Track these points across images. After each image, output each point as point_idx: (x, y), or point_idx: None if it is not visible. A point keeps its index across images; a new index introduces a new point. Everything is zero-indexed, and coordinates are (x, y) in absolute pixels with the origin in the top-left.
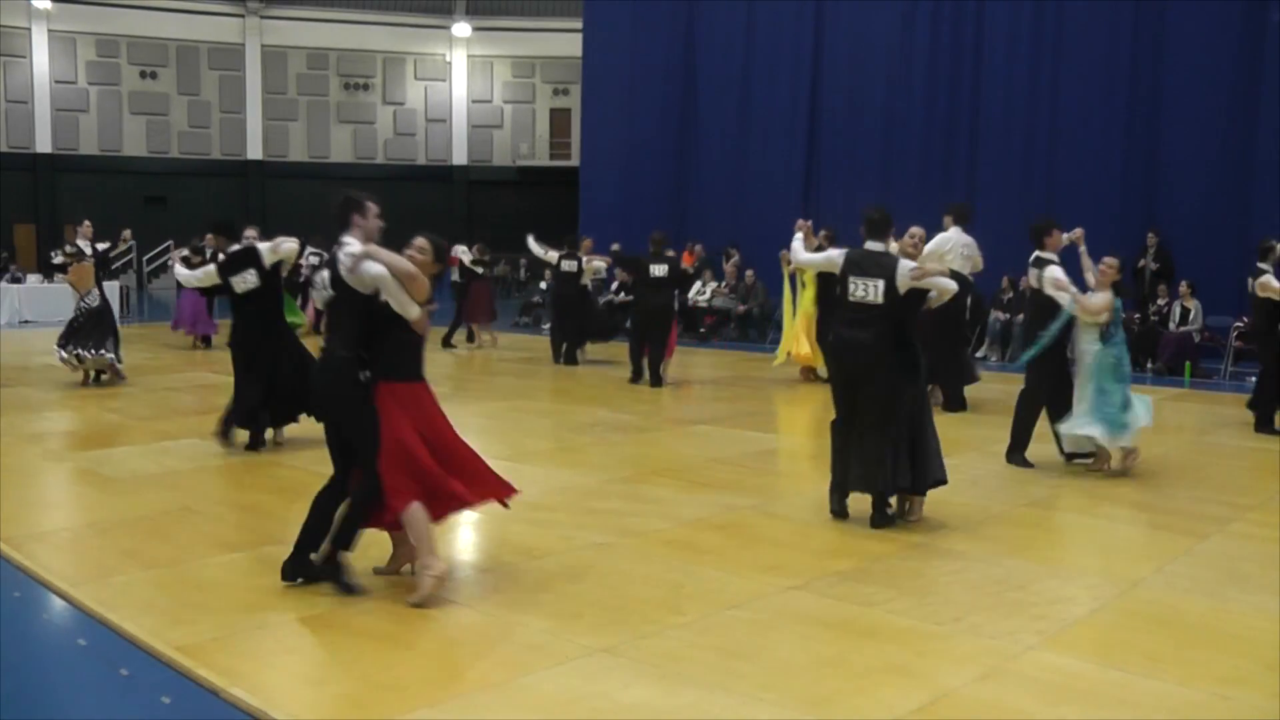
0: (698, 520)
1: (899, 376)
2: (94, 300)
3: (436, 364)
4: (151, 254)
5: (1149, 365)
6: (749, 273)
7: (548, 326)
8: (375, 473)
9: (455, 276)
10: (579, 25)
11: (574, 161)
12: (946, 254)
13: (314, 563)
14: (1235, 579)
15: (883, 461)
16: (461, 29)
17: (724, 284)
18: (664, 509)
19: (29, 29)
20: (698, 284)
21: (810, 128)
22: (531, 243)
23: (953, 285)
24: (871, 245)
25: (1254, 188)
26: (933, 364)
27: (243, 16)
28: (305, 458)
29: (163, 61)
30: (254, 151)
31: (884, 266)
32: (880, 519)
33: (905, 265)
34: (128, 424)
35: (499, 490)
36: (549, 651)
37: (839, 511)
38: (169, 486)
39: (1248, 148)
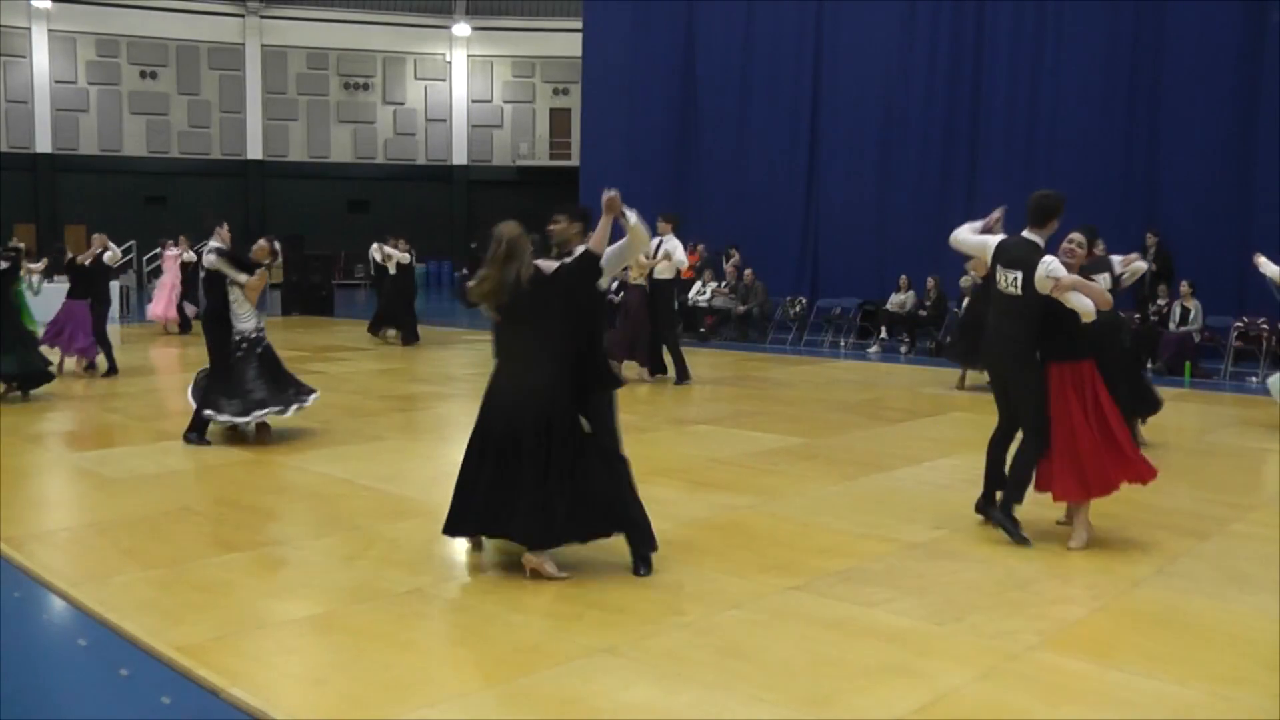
0: (698, 520)
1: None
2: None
3: (436, 363)
4: (151, 254)
5: (1149, 365)
6: (748, 272)
7: None
8: (1038, 442)
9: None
10: (579, 25)
11: (574, 161)
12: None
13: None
14: (1235, 579)
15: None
16: (461, 29)
17: (724, 284)
18: (664, 509)
19: (29, 29)
20: (698, 284)
21: (810, 127)
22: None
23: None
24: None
25: (1254, 188)
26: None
27: (243, 16)
28: (305, 458)
29: (163, 61)
30: (254, 151)
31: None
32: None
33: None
34: (128, 424)
35: (1143, 472)
36: (549, 651)
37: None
38: (169, 486)
39: (1248, 148)
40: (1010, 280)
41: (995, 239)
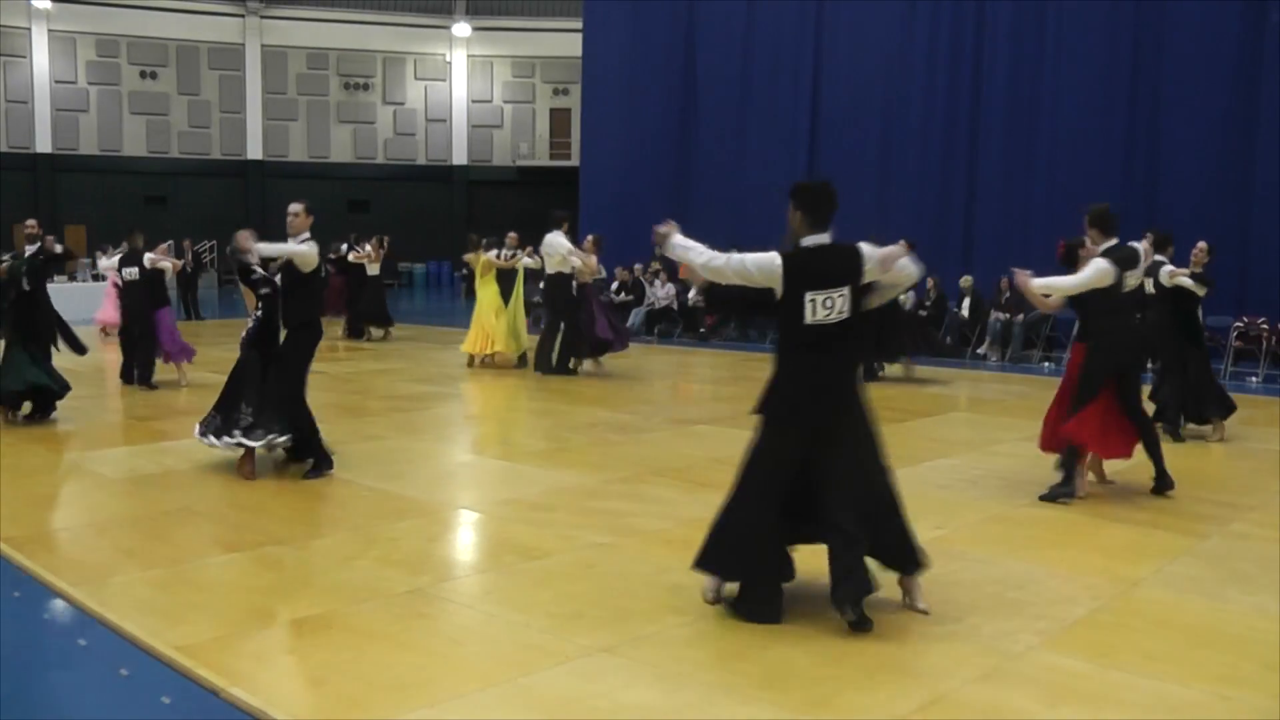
0: (698, 520)
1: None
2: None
3: (436, 363)
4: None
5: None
6: None
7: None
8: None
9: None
10: (579, 25)
11: (574, 161)
12: (555, 255)
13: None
14: (1235, 579)
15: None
16: (461, 29)
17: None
18: (664, 509)
19: (29, 29)
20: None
21: (810, 128)
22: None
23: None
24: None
25: (1254, 188)
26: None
27: (243, 16)
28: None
29: (163, 61)
30: (254, 151)
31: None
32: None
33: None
34: (128, 424)
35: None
36: (549, 651)
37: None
38: (169, 486)
39: (1247, 148)
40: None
41: (1105, 263)
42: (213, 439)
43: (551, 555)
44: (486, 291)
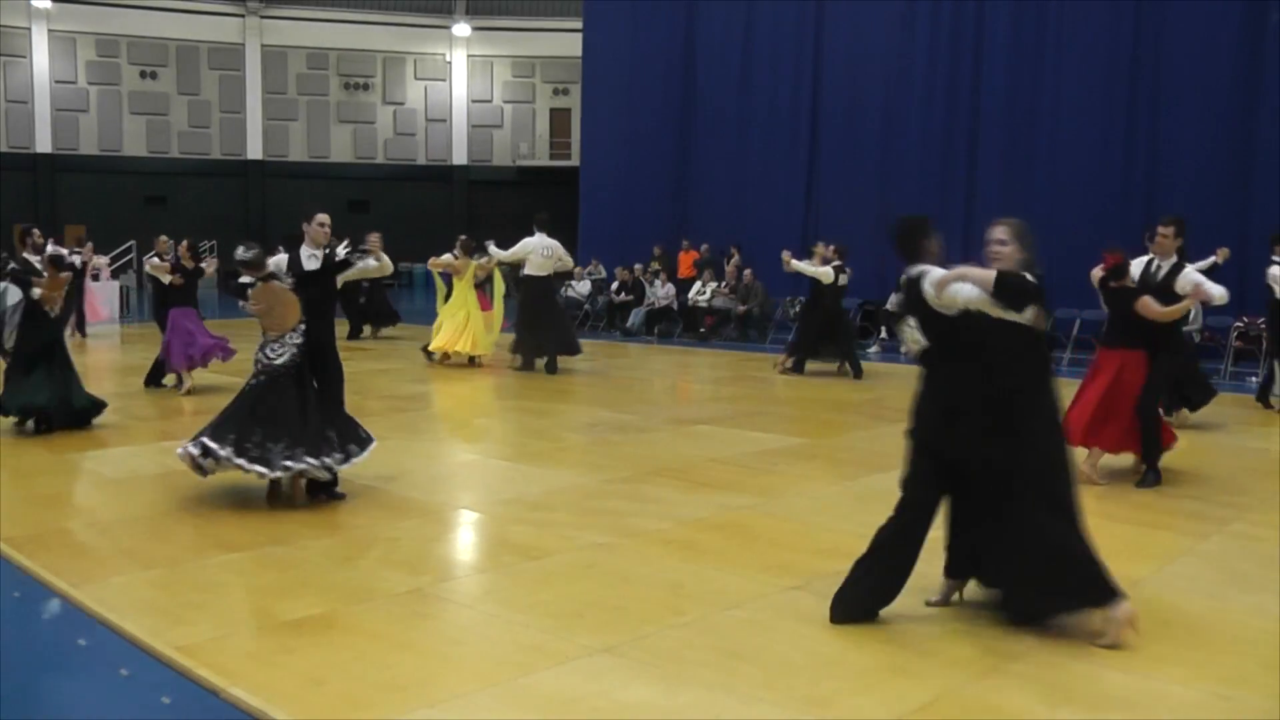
0: (698, 520)
1: None
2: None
3: (434, 364)
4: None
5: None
6: (748, 272)
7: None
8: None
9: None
10: (579, 25)
11: (574, 161)
12: (553, 257)
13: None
14: (1235, 579)
15: None
16: (461, 29)
17: (724, 284)
18: (664, 509)
19: (29, 29)
20: (697, 284)
21: (810, 128)
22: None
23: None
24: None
25: (1254, 188)
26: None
27: (243, 16)
28: None
29: (163, 61)
30: (254, 151)
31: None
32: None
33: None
34: (128, 424)
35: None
36: (549, 651)
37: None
38: (169, 486)
39: (1247, 148)
40: None
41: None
42: (283, 465)
43: (551, 555)
44: (472, 293)
